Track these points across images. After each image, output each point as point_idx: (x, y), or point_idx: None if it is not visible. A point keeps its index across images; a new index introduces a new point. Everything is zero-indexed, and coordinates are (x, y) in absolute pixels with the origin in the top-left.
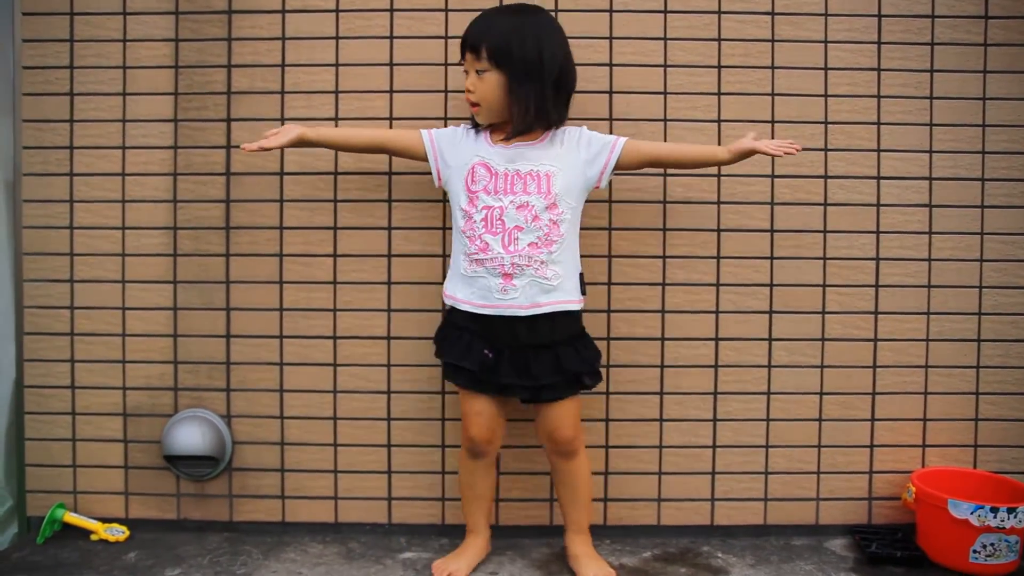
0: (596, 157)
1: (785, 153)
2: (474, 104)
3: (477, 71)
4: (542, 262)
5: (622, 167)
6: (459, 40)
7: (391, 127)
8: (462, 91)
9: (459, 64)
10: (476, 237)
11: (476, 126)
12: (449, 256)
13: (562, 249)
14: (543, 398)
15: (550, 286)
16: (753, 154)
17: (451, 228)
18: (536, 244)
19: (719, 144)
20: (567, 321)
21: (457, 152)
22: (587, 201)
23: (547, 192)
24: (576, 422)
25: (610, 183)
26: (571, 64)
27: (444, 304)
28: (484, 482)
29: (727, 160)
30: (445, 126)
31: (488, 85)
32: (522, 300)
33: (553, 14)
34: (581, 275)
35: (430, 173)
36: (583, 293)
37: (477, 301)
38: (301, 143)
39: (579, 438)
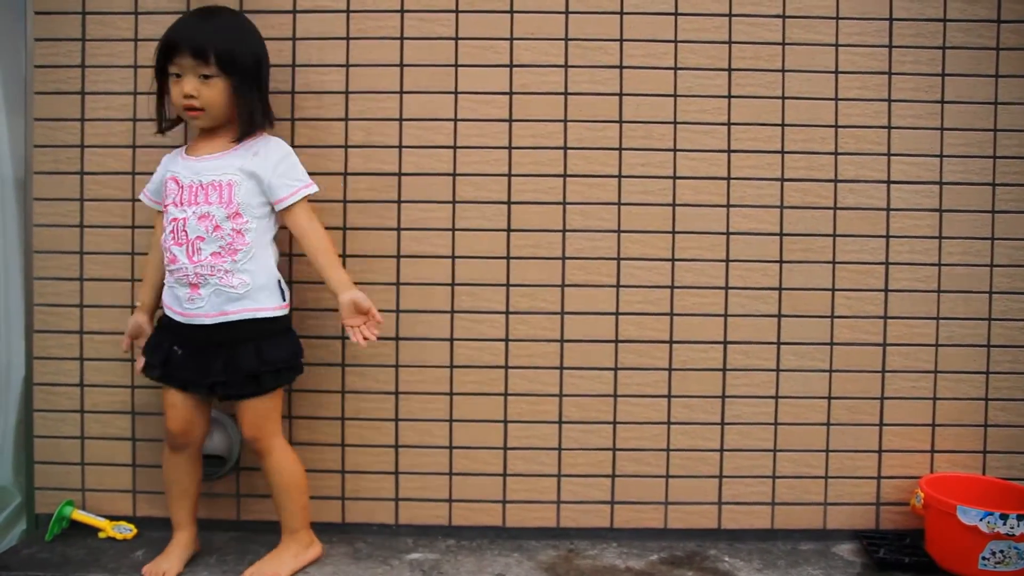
0: (276, 191)
1: (358, 339)
2: (197, 109)
3: (203, 76)
4: (227, 271)
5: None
6: (465, 41)
7: (400, 128)
8: (472, 92)
9: (172, 64)
10: (167, 249)
11: (163, 132)
12: (459, 258)
13: (249, 258)
14: (217, 393)
15: (237, 294)
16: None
17: (458, 229)
18: (219, 254)
19: None
20: (254, 325)
21: (159, 178)
22: (594, 203)
23: (228, 201)
24: (260, 422)
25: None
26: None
27: None
28: (188, 476)
29: (341, 296)
30: (455, 128)
31: (215, 91)
32: (208, 308)
33: (564, 16)
34: (279, 281)
35: (438, 174)
36: (284, 299)
37: (175, 308)
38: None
39: (265, 438)
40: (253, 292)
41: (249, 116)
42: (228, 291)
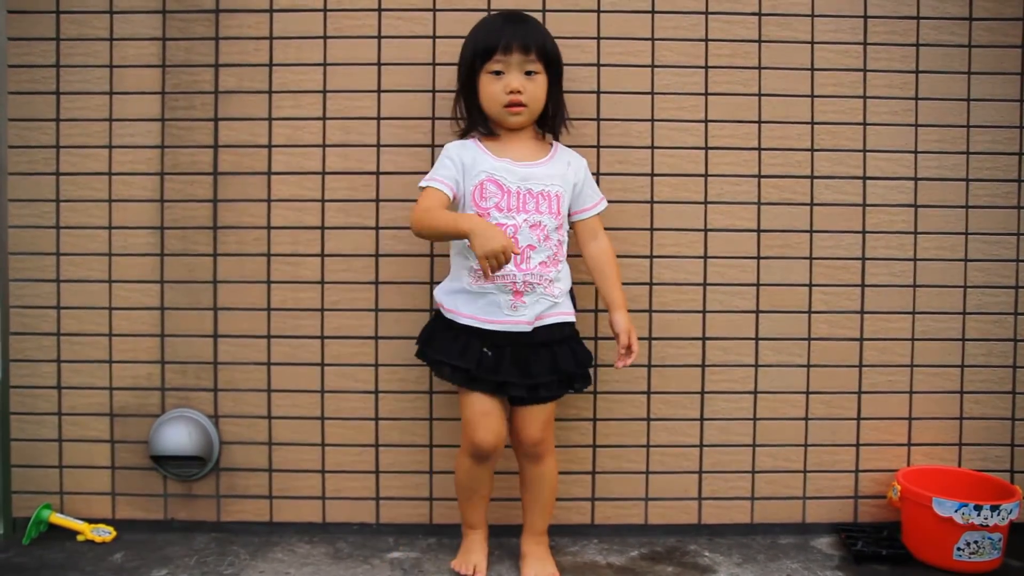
0: (584, 199)
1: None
2: (520, 104)
3: (527, 71)
4: (551, 280)
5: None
6: (447, 40)
7: (379, 126)
8: (451, 91)
9: (493, 61)
10: None
11: (464, 134)
12: (438, 256)
13: (564, 267)
14: (540, 397)
15: (554, 302)
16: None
17: None
18: (546, 263)
19: None
20: (565, 328)
21: (464, 173)
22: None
23: (557, 212)
24: (547, 424)
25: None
26: None
27: (434, 307)
28: (489, 483)
29: (611, 314)
30: (432, 126)
31: (539, 86)
32: (529, 316)
33: (541, 14)
34: (571, 290)
35: (417, 172)
36: (576, 306)
37: (483, 316)
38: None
39: (547, 441)
40: (563, 299)
41: (562, 118)
42: (549, 299)
